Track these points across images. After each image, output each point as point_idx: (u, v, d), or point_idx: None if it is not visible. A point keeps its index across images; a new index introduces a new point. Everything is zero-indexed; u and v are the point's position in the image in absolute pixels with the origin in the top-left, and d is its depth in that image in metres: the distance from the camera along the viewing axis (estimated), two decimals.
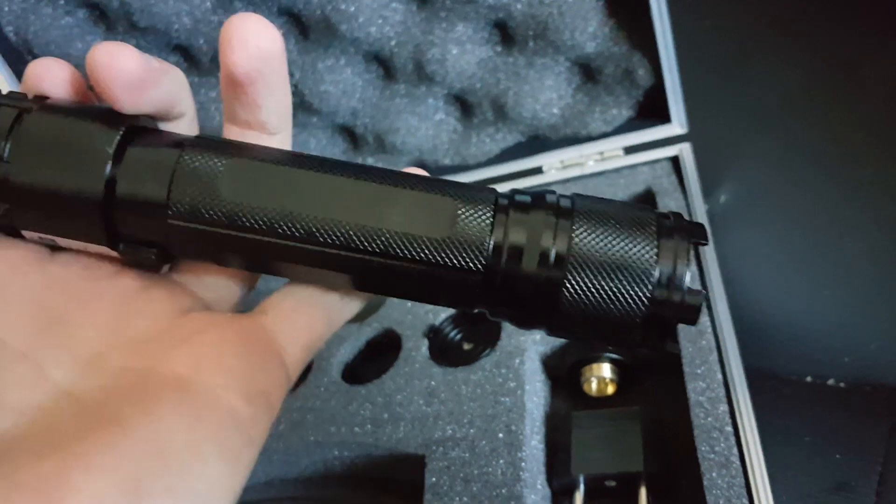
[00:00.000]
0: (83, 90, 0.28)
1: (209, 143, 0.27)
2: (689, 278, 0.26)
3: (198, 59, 0.71)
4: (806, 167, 0.67)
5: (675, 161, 0.67)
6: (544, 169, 0.70)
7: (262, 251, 0.27)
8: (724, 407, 0.50)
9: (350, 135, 0.76)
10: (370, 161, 0.77)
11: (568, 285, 0.26)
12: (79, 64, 0.73)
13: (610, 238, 0.26)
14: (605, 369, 0.58)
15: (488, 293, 0.27)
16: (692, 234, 0.27)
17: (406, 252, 0.26)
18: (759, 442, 0.48)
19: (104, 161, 0.26)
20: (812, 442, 0.53)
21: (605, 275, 0.26)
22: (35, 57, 0.71)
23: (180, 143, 0.27)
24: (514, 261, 0.26)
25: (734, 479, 0.47)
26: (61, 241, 0.28)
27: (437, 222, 0.26)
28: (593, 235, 0.26)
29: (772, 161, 0.68)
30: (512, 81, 0.69)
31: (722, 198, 0.67)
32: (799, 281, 0.62)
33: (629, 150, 0.69)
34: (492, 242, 0.26)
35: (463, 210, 0.26)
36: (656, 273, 0.26)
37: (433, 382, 0.61)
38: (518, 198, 0.27)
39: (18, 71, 0.71)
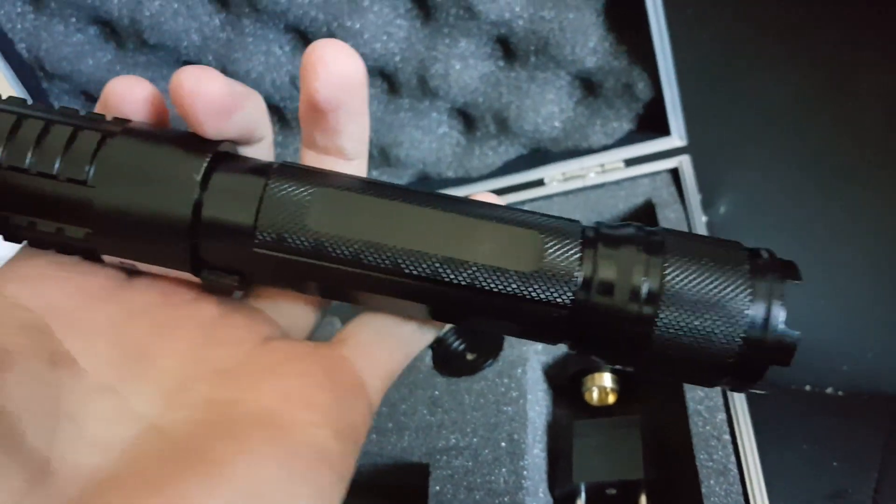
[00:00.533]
0: (163, 111, 0.28)
1: (294, 170, 0.27)
2: (784, 319, 0.25)
3: None
4: (804, 178, 0.68)
5: (674, 173, 0.68)
6: (546, 181, 0.71)
7: (347, 281, 0.27)
8: (721, 415, 0.51)
9: None
10: (374, 174, 0.78)
11: (660, 323, 0.25)
12: (89, 80, 0.74)
13: (703, 276, 0.25)
14: (606, 379, 0.59)
15: (575, 328, 0.26)
16: (786, 272, 0.26)
17: (493, 285, 0.26)
18: (756, 450, 0.49)
19: (192, 187, 0.26)
20: (809, 449, 0.54)
21: (698, 314, 0.25)
22: (46, 73, 0.73)
23: (265, 170, 0.27)
24: (604, 296, 0.26)
25: (732, 487, 0.48)
26: (142, 267, 0.27)
27: (524, 255, 0.26)
28: (686, 273, 0.25)
29: (770, 173, 0.69)
30: (514, 95, 0.70)
31: (721, 209, 0.68)
32: (797, 290, 0.62)
33: (629, 162, 0.70)
34: (581, 277, 0.26)
35: (550, 243, 0.26)
36: (750, 313, 0.25)
37: (437, 392, 0.62)
38: (605, 231, 0.27)
39: (31, 86, 0.72)
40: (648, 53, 0.64)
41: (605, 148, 0.71)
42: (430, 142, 0.75)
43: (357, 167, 0.30)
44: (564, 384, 0.61)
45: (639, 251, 0.26)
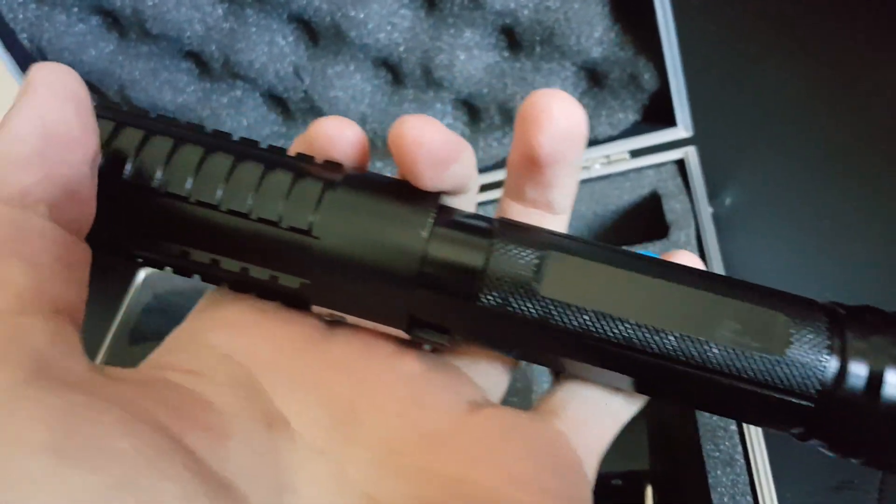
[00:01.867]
0: (367, 153, 0.27)
1: (516, 228, 0.26)
2: None
3: (209, 66, 0.72)
4: (811, 171, 0.68)
5: (680, 164, 0.68)
6: None
7: (569, 351, 0.25)
8: None
9: None
10: (378, 165, 0.77)
11: None
12: (91, 70, 0.73)
13: None
14: None
15: (816, 420, 0.25)
16: None
17: (732, 369, 0.24)
18: (763, 440, 0.49)
19: (419, 244, 0.25)
20: None
21: None
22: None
23: (488, 227, 0.26)
24: (854, 390, 0.24)
25: (738, 477, 0.48)
26: (350, 319, 0.27)
27: (768, 339, 0.24)
28: None
29: (777, 164, 0.69)
30: (519, 86, 0.70)
31: (727, 200, 0.68)
32: (804, 284, 0.62)
33: (635, 153, 0.69)
34: (829, 367, 0.24)
35: (796, 328, 0.24)
36: None
37: None
38: (851, 316, 0.25)
39: None
40: (654, 44, 0.63)
41: (611, 139, 0.71)
42: None
43: (562, 221, 0.29)
44: None
45: (892, 344, 0.24)
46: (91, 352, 0.68)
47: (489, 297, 0.25)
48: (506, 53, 0.70)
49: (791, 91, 0.71)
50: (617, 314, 0.24)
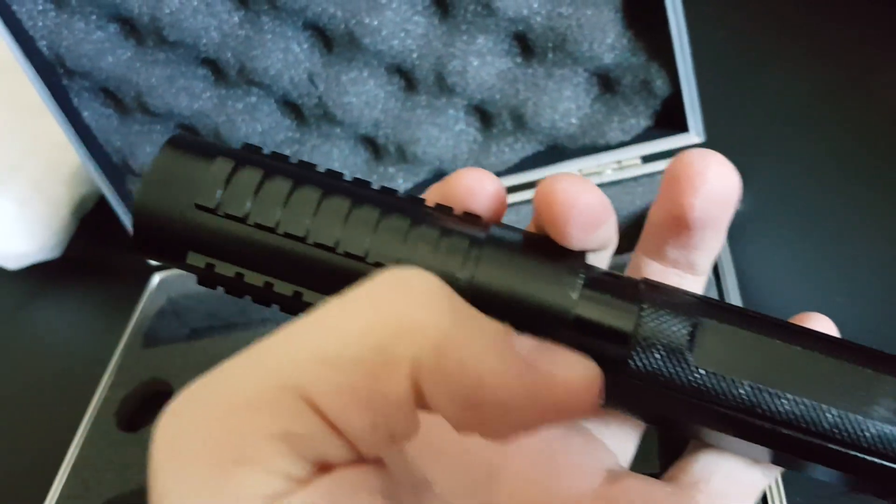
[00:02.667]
0: (504, 205, 0.27)
1: (663, 293, 0.25)
2: None
3: (225, 73, 0.73)
4: (822, 175, 0.68)
5: None
6: None
7: (720, 423, 0.24)
8: None
9: (372, 145, 0.78)
10: (390, 171, 0.78)
11: None
12: (109, 77, 0.74)
13: None
14: None
15: None
16: None
17: (887, 449, 0.23)
18: None
19: (569, 304, 0.24)
20: None
21: None
22: (66, 70, 0.74)
23: (634, 290, 0.25)
24: None
25: None
26: None
27: None
28: None
29: (788, 169, 0.69)
30: (531, 92, 0.70)
31: (738, 205, 0.68)
32: (814, 288, 0.62)
33: (647, 158, 0.70)
34: None
35: None
36: None
37: None
38: None
39: (51, 83, 0.73)
40: (666, 50, 0.64)
41: (623, 144, 0.71)
42: (447, 139, 0.75)
43: (701, 283, 0.28)
44: None
45: None
46: (105, 356, 0.69)
47: (638, 364, 0.24)
48: (518, 59, 0.70)
49: (802, 96, 0.71)
50: (775, 388, 0.23)
